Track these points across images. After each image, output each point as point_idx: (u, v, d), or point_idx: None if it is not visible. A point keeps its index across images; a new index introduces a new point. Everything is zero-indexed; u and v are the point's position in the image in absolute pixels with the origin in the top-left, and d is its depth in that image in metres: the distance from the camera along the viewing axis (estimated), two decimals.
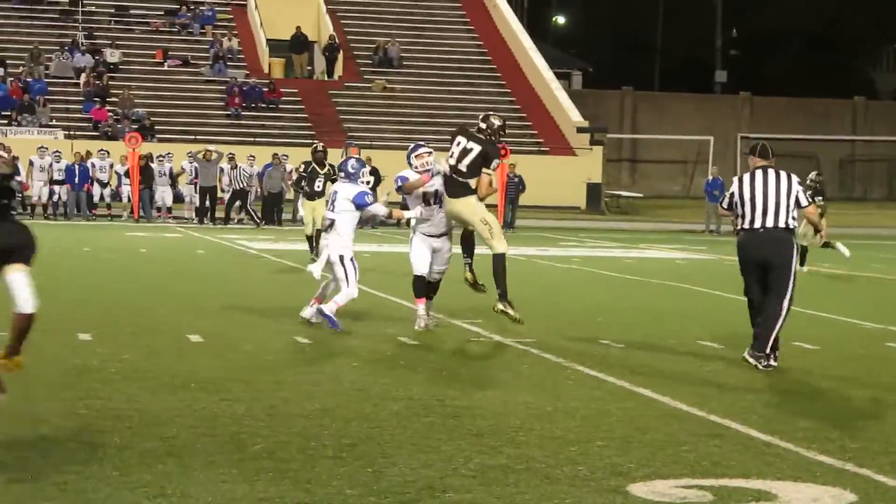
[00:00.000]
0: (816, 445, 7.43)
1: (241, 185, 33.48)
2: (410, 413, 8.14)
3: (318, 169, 20.30)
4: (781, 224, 10.34)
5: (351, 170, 12.54)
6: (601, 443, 7.38)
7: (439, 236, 12.38)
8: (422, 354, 10.96)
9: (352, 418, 7.89)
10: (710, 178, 38.28)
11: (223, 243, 25.63)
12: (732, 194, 10.58)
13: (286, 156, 34.34)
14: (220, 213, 34.13)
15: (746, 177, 10.53)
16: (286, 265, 19.99)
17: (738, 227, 10.55)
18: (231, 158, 33.66)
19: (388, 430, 7.57)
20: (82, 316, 12.85)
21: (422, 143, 13.09)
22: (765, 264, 10.38)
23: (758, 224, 10.36)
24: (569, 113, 48.31)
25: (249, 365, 9.92)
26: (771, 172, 10.49)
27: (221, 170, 33.98)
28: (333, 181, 20.39)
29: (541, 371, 10.09)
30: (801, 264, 22.03)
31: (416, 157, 12.35)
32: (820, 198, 22.21)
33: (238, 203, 33.93)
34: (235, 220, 34.57)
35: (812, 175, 24.09)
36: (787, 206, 10.35)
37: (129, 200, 34.68)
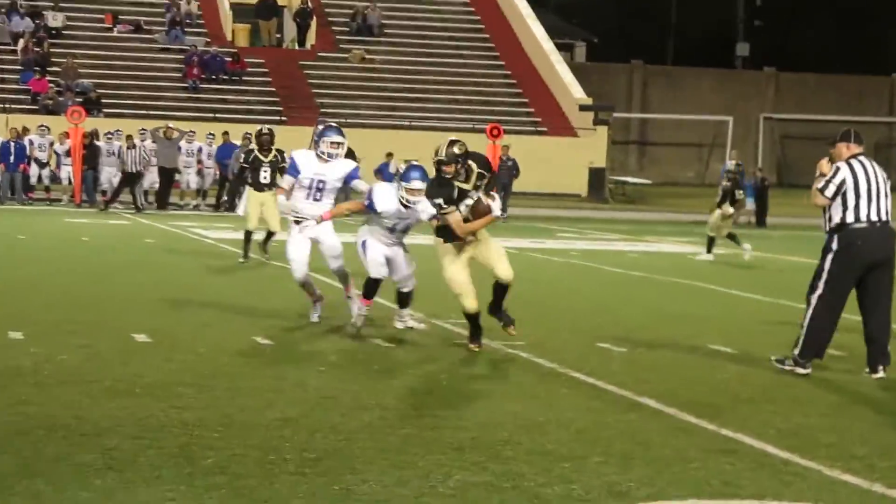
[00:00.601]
0: (840, 464, 7.45)
1: (137, 169, 33.11)
2: (384, 424, 8.14)
3: (262, 157, 19.43)
4: (892, 218, 10.55)
5: None
6: (598, 459, 7.40)
7: (394, 245, 12.21)
8: (398, 358, 10.98)
9: (317, 429, 7.90)
10: (729, 163, 38.29)
11: (175, 231, 25.63)
12: (843, 182, 10.45)
13: (250, 133, 34.29)
14: (174, 198, 34.14)
15: (856, 163, 10.53)
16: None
17: (847, 221, 10.42)
18: (129, 138, 33.37)
19: (357, 443, 7.57)
20: (14, 311, 12.83)
21: (419, 167, 11.69)
22: (875, 263, 10.49)
23: (874, 217, 10.46)
24: (570, 89, 48.38)
25: (202, 369, 9.91)
26: (869, 161, 10.64)
27: (179, 149, 34.02)
28: (281, 170, 20.20)
29: (531, 378, 10.10)
30: (709, 251, 22.45)
31: (408, 190, 11.52)
32: (740, 191, 22.59)
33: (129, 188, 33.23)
34: (192, 206, 34.56)
35: (730, 164, 24.20)
36: (889, 198, 10.57)
37: (71, 183, 34.59)
